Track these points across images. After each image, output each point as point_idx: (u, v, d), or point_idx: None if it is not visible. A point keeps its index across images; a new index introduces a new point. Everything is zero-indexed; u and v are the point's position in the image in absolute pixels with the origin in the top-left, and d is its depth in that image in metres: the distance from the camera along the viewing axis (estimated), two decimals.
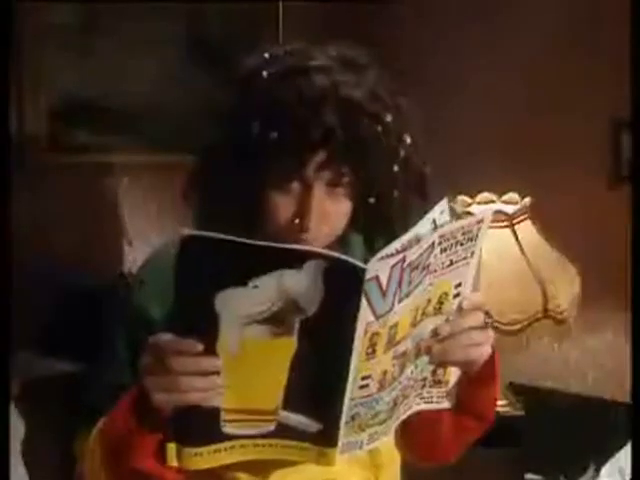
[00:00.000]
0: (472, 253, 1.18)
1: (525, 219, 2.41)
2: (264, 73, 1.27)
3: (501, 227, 2.38)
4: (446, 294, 1.18)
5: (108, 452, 1.23)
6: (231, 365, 1.09)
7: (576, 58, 2.66)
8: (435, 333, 1.19)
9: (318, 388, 1.11)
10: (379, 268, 1.05)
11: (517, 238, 2.38)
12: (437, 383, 1.25)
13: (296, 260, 1.04)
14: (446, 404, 1.28)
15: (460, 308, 1.20)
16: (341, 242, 1.37)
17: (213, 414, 1.13)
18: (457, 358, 1.22)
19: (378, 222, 1.35)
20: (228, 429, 1.14)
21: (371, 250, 1.36)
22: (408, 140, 1.29)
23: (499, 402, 2.44)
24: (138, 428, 1.17)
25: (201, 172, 1.35)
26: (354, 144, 1.23)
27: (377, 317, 1.08)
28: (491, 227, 2.34)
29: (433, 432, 1.37)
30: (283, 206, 1.28)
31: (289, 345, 1.09)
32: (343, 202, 1.30)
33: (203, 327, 1.07)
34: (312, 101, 1.22)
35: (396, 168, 1.28)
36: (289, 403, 1.13)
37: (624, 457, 1.41)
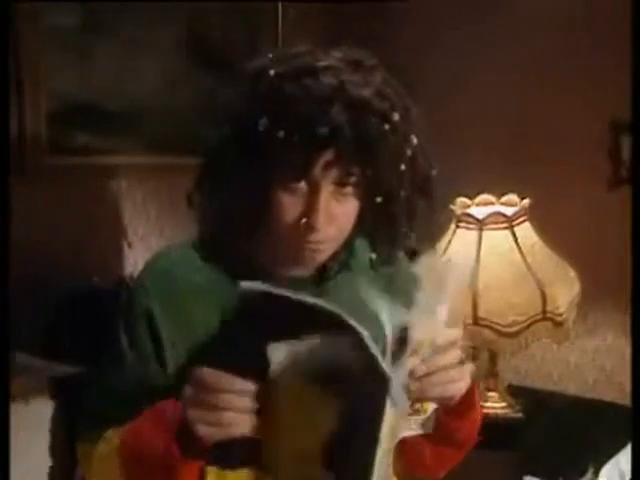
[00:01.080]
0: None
1: (524, 221, 2.41)
2: (271, 72, 1.26)
3: (500, 229, 2.38)
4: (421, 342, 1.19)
5: (135, 465, 1.23)
6: (274, 408, 1.12)
7: (576, 60, 2.66)
8: (412, 373, 1.18)
9: (350, 454, 1.13)
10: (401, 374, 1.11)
11: (516, 240, 2.38)
12: (415, 412, 1.28)
13: (340, 326, 1.06)
14: (426, 429, 1.29)
15: (435, 345, 1.20)
16: (347, 247, 1.38)
17: (254, 441, 1.15)
18: (434, 395, 1.22)
19: (384, 222, 1.34)
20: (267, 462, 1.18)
21: (377, 253, 1.38)
22: (415, 141, 1.29)
23: (498, 404, 2.44)
24: (182, 456, 1.17)
25: (207, 173, 1.34)
26: (362, 142, 1.23)
27: (398, 409, 1.12)
28: (491, 229, 2.37)
29: (416, 456, 1.38)
30: (290, 206, 1.27)
31: (328, 403, 1.12)
32: (350, 202, 1.30)
33: (253, 370, 1.11)
34: (320, 99, 1.22)
35: (403, 167, 1.28)
36: (323, 458, 1.15)
37: (624, 460, 1.40)
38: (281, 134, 1.22)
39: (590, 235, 2.62)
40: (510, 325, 2.32)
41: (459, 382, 1.23)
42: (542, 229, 2.43)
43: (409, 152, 1.29)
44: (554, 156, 2.68)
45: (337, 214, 1.29)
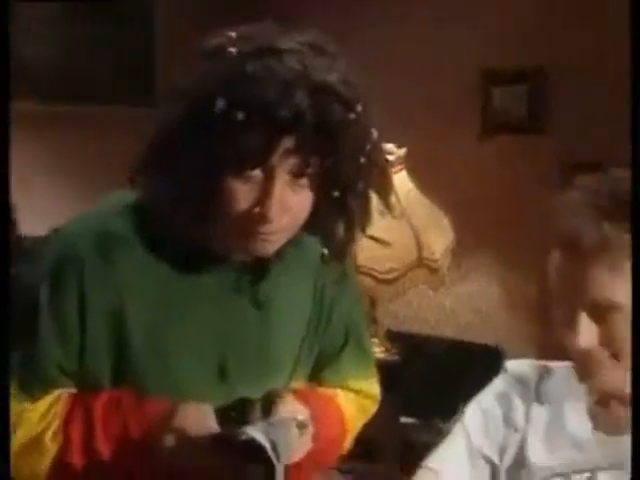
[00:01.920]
0: None
1: (401, 169, 2.45)
2: (232, 50, 1.20)
3: None
4: None
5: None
6: None
7: (448, 6, 2.71)
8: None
9: None
10: None
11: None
12: None
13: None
14: None
15: None
16: (294, 244, 1.33)
17: None
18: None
19: (339, 216, 1.31)
20: None
21: (329, 248, 1.34)
22: (375, 135, 1.26)
23: (377, 349, 2.50)
24: None
25: (156, 152, 1.26)
26: (324, 129, 1.18)
27: None
28: None
29: None
30: (243, 194, 1.22)
31: None
32: (306, 193, 1.25)
33: None
34: (284, 82, 1.17)
35: (363, 160, 1.24)
36: None
37: (484, 398, 1.45)
38: (240, 116, 1.16)
39: (462, 183, 2.69)
40: (387, 272, 2.37)
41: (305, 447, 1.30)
42: (417, 177, 2.48)
43: (369, 146, 1.25)
44: (428, 106, 2.73)
45: (291, 205, 1.24)
